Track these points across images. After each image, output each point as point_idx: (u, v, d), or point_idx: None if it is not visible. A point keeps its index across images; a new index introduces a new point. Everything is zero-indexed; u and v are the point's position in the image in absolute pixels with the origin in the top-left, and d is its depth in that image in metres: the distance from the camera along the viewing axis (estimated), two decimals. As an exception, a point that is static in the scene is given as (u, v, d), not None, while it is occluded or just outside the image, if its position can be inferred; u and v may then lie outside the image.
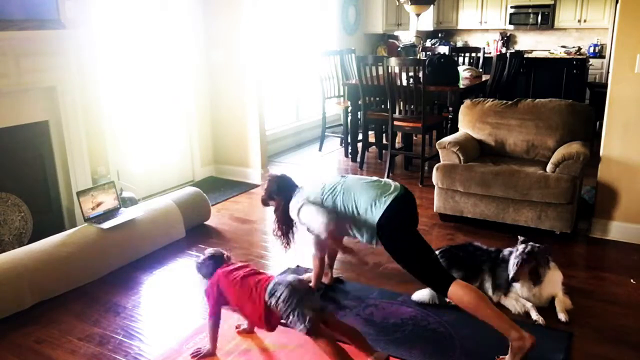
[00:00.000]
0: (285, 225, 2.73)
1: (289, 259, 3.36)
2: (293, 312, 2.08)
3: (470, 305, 2.24)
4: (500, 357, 2.24)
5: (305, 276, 3.00)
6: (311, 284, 2.92)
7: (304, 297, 2.11)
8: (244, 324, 2.55)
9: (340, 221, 2.51)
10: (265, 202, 2.84)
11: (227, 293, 2.30)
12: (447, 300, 2.45)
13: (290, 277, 2.21)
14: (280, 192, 2.74)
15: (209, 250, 2.48)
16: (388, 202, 2.40)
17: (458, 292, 2.27)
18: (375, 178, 2.63)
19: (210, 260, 2.42)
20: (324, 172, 5.53)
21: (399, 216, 2.43)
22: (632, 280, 3.04)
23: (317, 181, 2.69)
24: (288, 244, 2.77)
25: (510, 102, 4.06)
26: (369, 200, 2.44)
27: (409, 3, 5.91)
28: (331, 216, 2.47)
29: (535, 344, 2.11)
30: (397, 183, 2.56)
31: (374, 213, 2.41)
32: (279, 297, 2.11)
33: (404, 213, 2.47)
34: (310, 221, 2.53)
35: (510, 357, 2.16)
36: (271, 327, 2.27)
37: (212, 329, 2.37)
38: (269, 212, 4.32)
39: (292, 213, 2.63)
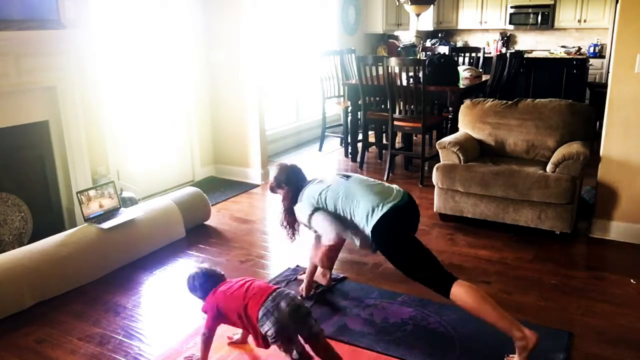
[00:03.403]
0: (292, 217, 2.72)
1: (289, 258, 3.36)
2: (280, 347, 2.08)
3: (473, 308, 2.24)
4: (510, 355, 2.24)
5: (300, 277, 3.01)
6: (303, 287, 2.89)
7: (293, 332, 2.06)
8: (237, 334, 2.44)
9: (343, 227, 2.53)
10: (273, 190, 2.84)
11: (227, 311, 2.20)
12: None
13: (276, 314, 2.05)
14: (289, 183, 2.74)
15: (203, 269, 2.33)
16: (385, 210, 2.38)
17: (460, 294, 2.25)
18: (379, 182, 2.60)
19: (206, 282, 2.28)
20: (324, 172, 5.52)
21: (395, 224, 2.42)
22: (632, 280, 3.03)
23: (322, 181, 2.68)
24: (293, 234, 2.78)
25: (510, 102, 4.05)
26: (367, 209, 2.42)
27: (409, 3, 5.91)
28: (341, 229, 2.49)
29: (538, 341, 2.13)
30: (400, 189, 2.54)
31: (369, 222, 2.40)
32: (267, 331, 2.07)
33: (402, 222, 2.45)
34: (320, 229, 2.54)
35: (517, 356, 2.17)
36: (266, 346, 2.20)
37: (204, 343, 2.24)
38: (270, 212, 4.37)
39: (301, 217, 2.63)
